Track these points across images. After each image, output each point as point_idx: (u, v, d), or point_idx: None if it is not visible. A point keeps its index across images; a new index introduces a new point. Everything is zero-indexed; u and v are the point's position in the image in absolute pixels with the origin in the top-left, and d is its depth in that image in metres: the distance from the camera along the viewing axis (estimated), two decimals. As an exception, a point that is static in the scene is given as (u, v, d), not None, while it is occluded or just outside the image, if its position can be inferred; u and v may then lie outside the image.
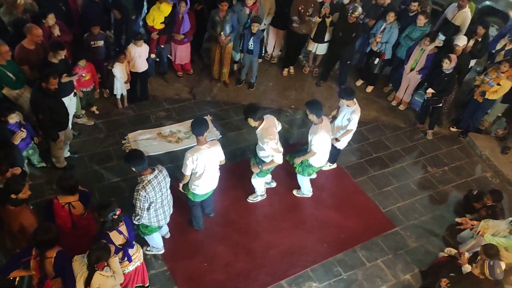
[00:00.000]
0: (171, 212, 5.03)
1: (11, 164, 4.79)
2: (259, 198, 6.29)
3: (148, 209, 4.59)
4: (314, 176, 6.29)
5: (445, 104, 7.66)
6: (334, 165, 6.90)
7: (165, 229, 5.55)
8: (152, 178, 4.48)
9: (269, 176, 6.24)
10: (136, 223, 4.70)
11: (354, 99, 6.02)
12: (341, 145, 6.40)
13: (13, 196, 4.27)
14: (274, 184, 6.49)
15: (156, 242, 5.34)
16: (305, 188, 6.34)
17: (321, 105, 5.50)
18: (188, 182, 5.15)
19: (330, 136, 5.76)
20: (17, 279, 4.36)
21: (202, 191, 5.20)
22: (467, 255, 5.19)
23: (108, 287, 3.97)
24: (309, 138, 5.67)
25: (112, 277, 4.00)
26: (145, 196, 4.44)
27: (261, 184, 6.13)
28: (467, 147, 7.82)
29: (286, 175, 6.50)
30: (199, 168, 4.92)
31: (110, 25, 7.89)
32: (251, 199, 6.28)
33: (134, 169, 4.46)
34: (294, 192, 6.45)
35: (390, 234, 6.17)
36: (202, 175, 5.00)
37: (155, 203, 4.62)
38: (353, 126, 6.10)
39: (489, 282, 4.64)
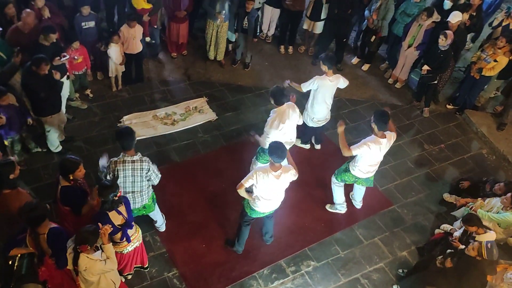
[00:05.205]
0: (137, 207, 4.83)
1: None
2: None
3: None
4: (358, 202, 6.10)
5: (440, 81, 7.62)
6: (307, 146, 6.81)
7: (159, 221, 5.43)
8: (129, 160, 4.50)
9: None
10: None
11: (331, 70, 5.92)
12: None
13: (11, 176, 4.24)
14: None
15: None
16: (337, 199, 5.95)
17: (388, 119, 5.11)
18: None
19: (380, 155, 5.37)
20: (15, 264, 4.36)
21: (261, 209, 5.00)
22: (457, 234, 5.22)
23: (95, 270, 3.95)
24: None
25: (101, 261, 3.96)
26: (112, 170, 4.51)
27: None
28: (463, 124, 7.81)
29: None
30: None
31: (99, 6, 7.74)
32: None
33: (121, 145, 4.49)
34: (327, 206, 6.11)
35: (387, 212, 6.21)
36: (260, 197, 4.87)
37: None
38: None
39: (485, 261, 4.67)
